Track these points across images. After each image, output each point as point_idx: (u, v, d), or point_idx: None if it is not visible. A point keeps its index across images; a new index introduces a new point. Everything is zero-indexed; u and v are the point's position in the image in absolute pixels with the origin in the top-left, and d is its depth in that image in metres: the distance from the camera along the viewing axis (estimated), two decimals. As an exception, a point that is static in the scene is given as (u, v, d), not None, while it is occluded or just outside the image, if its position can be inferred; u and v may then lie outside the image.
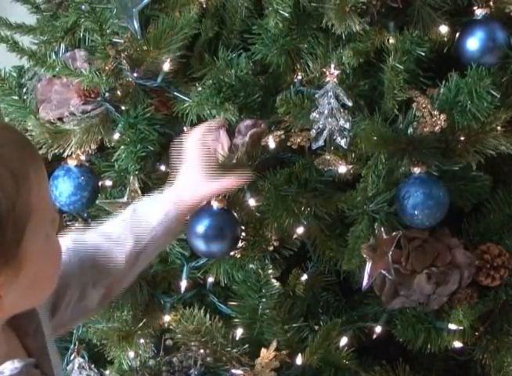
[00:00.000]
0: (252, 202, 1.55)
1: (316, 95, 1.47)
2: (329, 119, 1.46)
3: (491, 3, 1.56)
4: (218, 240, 1.52)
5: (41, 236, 0.89)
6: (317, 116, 1.47)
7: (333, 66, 1.49)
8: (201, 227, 1.49)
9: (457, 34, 1.56)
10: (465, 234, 1.66)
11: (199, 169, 1.33)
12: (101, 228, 1.26)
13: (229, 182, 1.36)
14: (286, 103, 1.52)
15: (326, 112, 1.46)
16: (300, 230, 1.59)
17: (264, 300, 1.59)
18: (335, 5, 1.44)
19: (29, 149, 0.90)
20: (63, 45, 1.71)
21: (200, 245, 1.53)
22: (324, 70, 1.51)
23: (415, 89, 1.51)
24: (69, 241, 1.17)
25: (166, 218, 1.26)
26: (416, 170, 1.51)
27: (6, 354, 0.93)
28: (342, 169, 1.53)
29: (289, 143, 1.54)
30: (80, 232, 1.24)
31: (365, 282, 1.51)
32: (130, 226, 1.24)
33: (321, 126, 1.47)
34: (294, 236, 1.60)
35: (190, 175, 1.33)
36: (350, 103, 1.46)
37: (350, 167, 1.53)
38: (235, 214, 1.54)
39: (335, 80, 1.46)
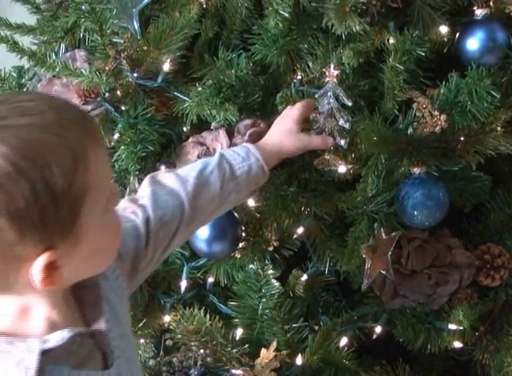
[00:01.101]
0: (252, 202, 1.55)
1: (316, 95, 1.48)
2: (329, 119, 1.46)
3: (491, 3, 1.56)
4: (220, 241, 1.53)
5: (98, 211, 0.91)
6: (317, 116, 1.47)
7: (333, 66, 1.48)
8: (204, 228, 1.49)
9: (457, 35, 1.56)
10: (465, 234, 1.66)
11: (291, 122, 1.38)
12: (188, 172, 1.24)
13: (314, 140, 1.41)
14: (286, 100, 1.52)
15: (325, 112, 1.46)
16: (300, 230, 1.59)
17: (264, 300, 1.59)
18: (335, 5, 1.44)
19: (89, 128, 0.91)
20: (63, 45, 1.71)
21: (202, 246, 1.53)
22: (324, 70, 1.51)
23: (415, 90, 1.51)
24: (158, 188, 1.19)
25: (251, 166, 1.28)
26: (416, 170, 1.51)
27: (70, 321, 0.94)
28: (342, 169, 1.53)
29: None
30: (166, 176, 1.23)
31: (364, 282, 1.51)
32: (217, 171, 1.25)
33: (321, 126, 1.47)
34: (294, 236, 1.60)
35: (280, 125, 1.40)
36: (350, 103, 1.46)
37: (350, 167, 1.53)
38: (236, 214, 1.55)
39: (335, 80, 1.46)
